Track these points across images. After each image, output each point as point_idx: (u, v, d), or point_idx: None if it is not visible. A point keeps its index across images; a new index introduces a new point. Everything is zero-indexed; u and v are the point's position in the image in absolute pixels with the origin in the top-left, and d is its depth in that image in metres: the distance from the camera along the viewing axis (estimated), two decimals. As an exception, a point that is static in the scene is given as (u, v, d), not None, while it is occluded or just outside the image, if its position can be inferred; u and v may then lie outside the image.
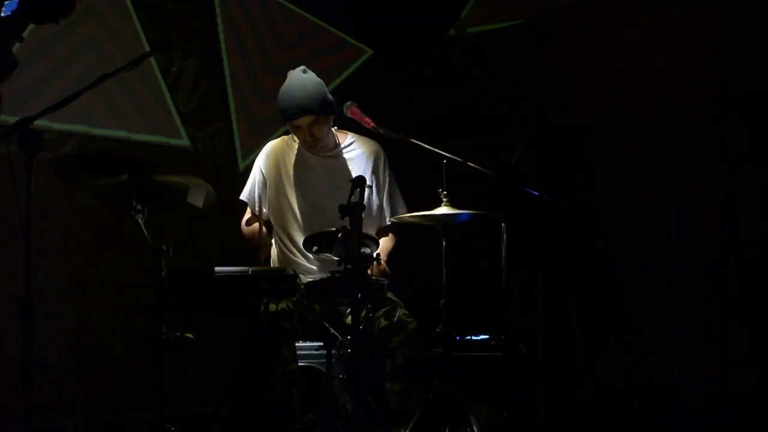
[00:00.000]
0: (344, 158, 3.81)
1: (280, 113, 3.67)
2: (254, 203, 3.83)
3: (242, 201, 3.87)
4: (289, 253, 3.73)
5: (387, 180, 3.84)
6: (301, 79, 3.66)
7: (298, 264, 3.69)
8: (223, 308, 3.16)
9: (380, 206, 3.82)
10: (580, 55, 4.62)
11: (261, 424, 3.25)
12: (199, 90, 4.82)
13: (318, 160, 3.78)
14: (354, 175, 3.60)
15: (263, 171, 3.82)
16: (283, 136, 3.94)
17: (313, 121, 3.62)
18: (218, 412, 3.56)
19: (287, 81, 3.68)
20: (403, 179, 3.90)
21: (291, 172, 3.78)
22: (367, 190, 3.66)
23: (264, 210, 3.80)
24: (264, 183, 3.81)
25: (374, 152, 3.84)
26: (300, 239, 3.54)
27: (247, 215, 3.90)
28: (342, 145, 3.83)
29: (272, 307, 3.23)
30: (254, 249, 3.79)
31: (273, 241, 3.83)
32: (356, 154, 3.83)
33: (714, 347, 4.03)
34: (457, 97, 5.17)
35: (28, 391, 2.62)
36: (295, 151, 3.81)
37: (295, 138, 3.80)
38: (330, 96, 3.67)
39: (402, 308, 3.51)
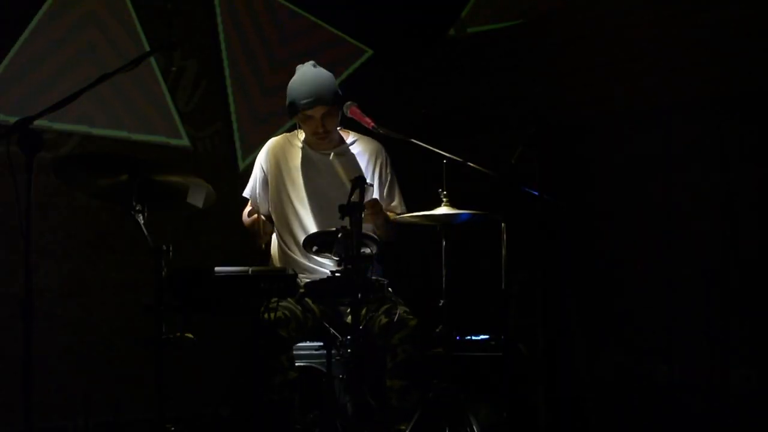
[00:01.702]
0: (346, 156, 3.80)
1: (289, 106, 3.66)
2: (256, 200, 3.83)
3: (245, 198, 3.88)
4: (290, 252, 3.73)
5: (388, 179, 3.85)
6: (312, 71, 3.69)
7: (298, 263, 3.68)
8: (223, 308, 3.16)
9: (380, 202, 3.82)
10: (580, 55, 4.61)
11: (261, 424, 3.25)
12: (199, 90, 4.82)
13: (320, 157, 3.78)
14: (356, 173, 3.60)
15: (264, 168, 3.82)
16: (284, 134, 3.94)
17: (326, 113, 3.63)
18: (218, 412, 3.56)
19: (298, 74, 3.70)
20: (403, 179, 3.90)
21: (292, 169, 3.77)
22: (369, 188, 3.67)
23: (266, 206, 3.81)
24: (265, 180, 3.81)
25: (376, 151, 3.85)
26: (301, 237, 3.55)
27: (249, 207, 3.90)
28: (343, 145, 3.83)
29: (270, 316, 3.23)
30: (253, 236, 3.79)
31: (273, 237, 3.83)
32: (358, 153, 3.83)
33: (714, 347, 4.03)
34: (457, 97, 5.17)
35: (28, 391, 2.62)
36: (297, 149, 3.81)
37: (299, 135, 3.80)
38: (339, 90, 3.70)
39: (402, 305, 3.51)
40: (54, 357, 4.03)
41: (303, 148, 3.79)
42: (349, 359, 3.26)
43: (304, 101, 3.59)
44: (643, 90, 4.39)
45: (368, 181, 3.70)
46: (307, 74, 3.67)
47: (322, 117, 3.64)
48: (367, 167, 3.80)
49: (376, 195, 3.79)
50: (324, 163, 3.77)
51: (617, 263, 4.38)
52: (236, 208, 3.93)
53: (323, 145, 3.76)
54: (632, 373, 4.27)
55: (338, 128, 3.79)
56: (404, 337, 3.38)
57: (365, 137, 3.85)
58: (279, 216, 3.78)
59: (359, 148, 3.84)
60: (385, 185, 3.83)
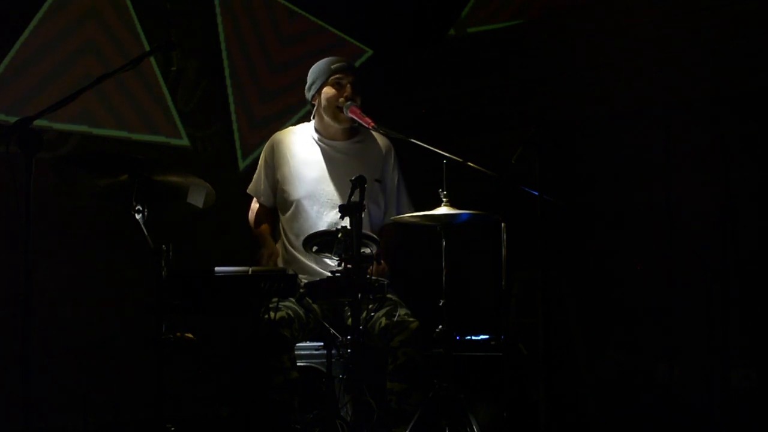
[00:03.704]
0: (355, 150, 3.80)
1: (314, 82, 3.74)
2: (260, 195, 3.83)
3: (246, 198, 3.88)
4: (293, 249, 3.71)
5: (396, 177, 3.85)
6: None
7: (300, 262, 3.68)
8: (223, 308, 3.16)
9: (386, 203, 3.82)
10: (580, 55, 4.61)
11: (261, 424, 3.25)
12: (199, 90, 4.82)
13: (328, 150, 3.78)
14: (363, 167, 3.59)
15: (269, 161, 3.81)
16: (290, 127, 3.94)
17: (353, 82, 3.71)
18: (218, 412, 3.56)
19: (319, 61, 3.80)
20: (403, 179, 3.90)
21: (299, 163, 3.76)
22: (376, 185, 3.67)
23: (271, 200, 3.82)
24: (270, 174, 3.81)
25: (387, 148, 3.85)
26: (305, 233, 3.55)
27: (254, 205, 3.89)
28: (354, 138, 3.83)
29: (272, 315, 3.23)
30: (258, 241, 3.79)
31: (277, 233, 3.82)
32: (371, 146, 3.83)
33: (714, 347, 4.03)
34: (457, 97, 5.17)
35: (27, 391, 2.62)
36: (305, 142, 3.80)
37: (307, 128, 3.81)
38: None
39: (403, 308, 3.50)
40: (54, 357, 4.02)
41: (307, 141, 3.79)
42: (349, 359, 3.25)
43: (338, 64, 3.72)
44: (643, 90, 4.39)
45: (377, 176, 3.72)
46: (331, 57, 3.80)
47: (351, 84, 3.70)
48: (377, 162, 3.80)
49: (383, 191, 3.79)
50: (330, 156, 3.76)
51: (617, 263, 4.38)
52: (236, 208, 3.93)
53: (343, 122, 3.72)
54: (632, 373, 4.26)
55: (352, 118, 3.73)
56: (404, 340, 3.38)
57: (376, 133, 3.83)
58: (284, 212, 3.77)
59: (372, 142, 3.84)
60: (393, 183, 3.84)
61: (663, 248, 4.20)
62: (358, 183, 3.06)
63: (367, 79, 3.91)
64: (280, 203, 3.80)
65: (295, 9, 5.22)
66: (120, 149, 4.41)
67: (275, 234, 3.82)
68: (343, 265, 3.08)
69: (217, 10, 4.93)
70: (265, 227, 3.83)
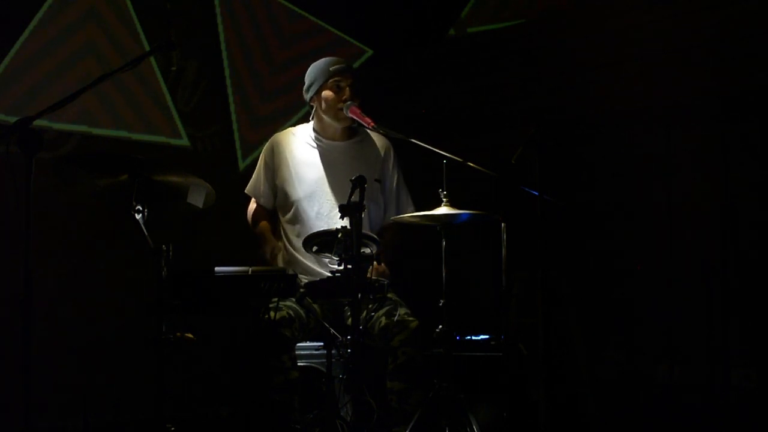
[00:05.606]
0: (355, 150, 3.80)
1: (313, 83, 3.73)
2: (260, 196, 3.83)
3: (246, 197, 3.88)
4: (293, 250, 3.71)
5: (396, 177, 3.85)
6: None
7: (301, 261, 3.67)
8: (223, 308, 3.16)
9: (386, 202, 3.82)
10: (580, 55, 4.61)
11: (261, 424, 3.25)
12: (199, 90, 4.82)
13: (327, 151, 3.77)
14: (363, 167, 3.59)
15: (269, 163, 3.81)
16: (289, 128, 3.94)
17: (352, 84, 3.70)
18: (218, 412, 3.56)
19: (317, 61, 3.79)
20: (403, 178, 3.90)
21: (299, 164, 3.76)
22: (376, 185, 3.67)
23: (271, 202, 3.81)
24: (270, 175, 3.81)
25: (386, 147, 3.85)
26: (305, 233, 3.55)
27: (252, 206, 3.89)
28: (353, 139, 3.83)
29: (272, 315, 3.23)
30: (259, 241, 3.79)
31: (277, 233, 3.82)
32: (370, 146, 3.83)
33: (714, 347, 4.03)
34: (457, 97, 5.17)
35: (27, 391, 2.62)
36: (304, 143, 3.80)
37: (306, 129, 3.81)
38: None
39: (403, 307, 3.51)
40: (54, 357, 4.02)
41: (307, 142, 3.79)
42: (349, 359, 3.25)
43: (336, 66, 3.70)
44: (643, 90, 4.39)
45: (376, 176, 3.72)
46: (329, 57, 3.78)
47: (351, 86, 3.69)
48: (376, 161, 3.80)
49: (384, 192, 3.79)
50: (335, 155, 3.76)
51: (617, 263, 4.38)
52: (236, 208, 3.93)
53: (343, 121, 3.72)
54: (632, 373, 4.26)
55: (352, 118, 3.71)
56: (405, 339, 3.38)
57: (375, 133, 3.83)
58: (285, 213, 3.77)
59: (371, 142, 3.84)
60: (392, 183, 3.83)
61: (663, 248, 4.20)
62: (358, 183, 3.06)
63: (367, 79, 3.92)
64: (280, 204, 3.80)
65: (296, 9, 5.22)
66: (120, 149, 4.42)
67: (275, 234, 3.82)
68: (343, 265, 3.08)
69: (217, 10, 4.93)
70: (264, 224, 3.83)
